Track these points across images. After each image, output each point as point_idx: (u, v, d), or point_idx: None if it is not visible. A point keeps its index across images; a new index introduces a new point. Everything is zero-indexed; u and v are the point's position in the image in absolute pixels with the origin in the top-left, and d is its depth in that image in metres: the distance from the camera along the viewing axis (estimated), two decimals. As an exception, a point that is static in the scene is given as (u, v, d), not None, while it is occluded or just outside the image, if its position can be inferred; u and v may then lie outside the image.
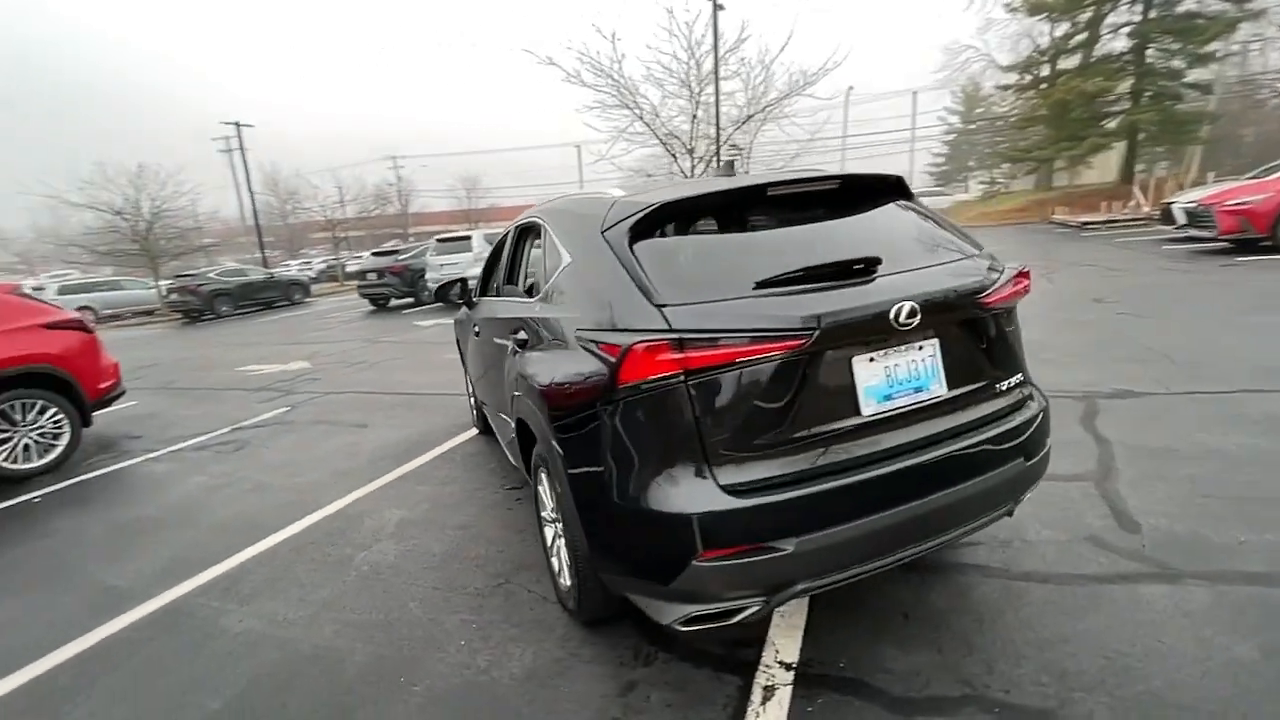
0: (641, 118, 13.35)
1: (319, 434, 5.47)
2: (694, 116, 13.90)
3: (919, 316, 1.76)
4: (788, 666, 2.04)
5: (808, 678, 1.99)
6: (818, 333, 1.67)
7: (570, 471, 1.97)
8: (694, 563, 1.65)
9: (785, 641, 2.16)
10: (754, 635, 2.20)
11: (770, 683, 1.98)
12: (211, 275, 19.30)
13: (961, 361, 1.94)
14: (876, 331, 1.75)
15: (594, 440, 1.83)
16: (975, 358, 1.98)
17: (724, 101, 14.39)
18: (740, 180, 2.08)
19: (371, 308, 16.85)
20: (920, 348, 1.86)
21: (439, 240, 15.48)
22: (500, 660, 2.24)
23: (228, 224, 45.41)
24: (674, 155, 13.91)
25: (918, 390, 1.85)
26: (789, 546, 1.65)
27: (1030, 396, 2.17)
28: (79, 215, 20.57)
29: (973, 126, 50.94)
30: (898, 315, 1.73)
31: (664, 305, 1.71)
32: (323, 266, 33.51)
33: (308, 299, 21.83)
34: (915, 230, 2.16)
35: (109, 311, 21.77)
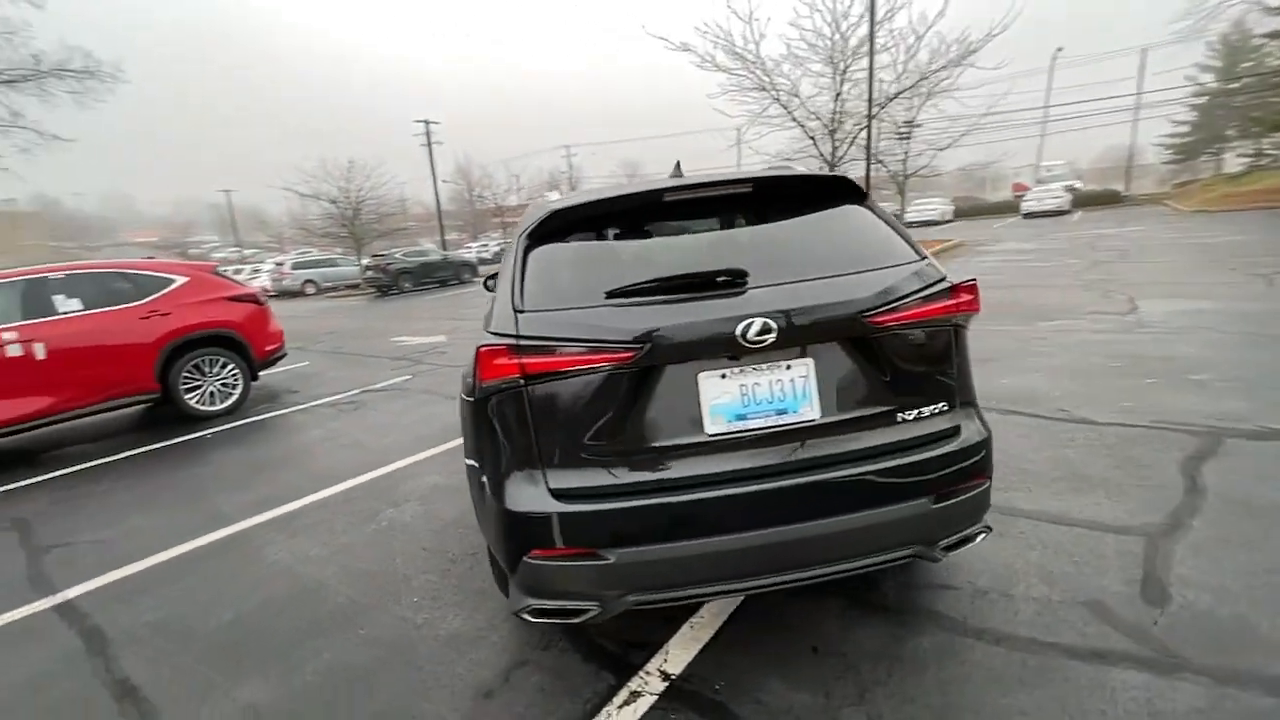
0: (778, 99, 12.83)
1: (420, 402, 6.22)
2: (838, 95, 13.03)
3: (775, 334, 1.64)
4: (665, 676, 2.03)
5: (679, 692, 1.97)
6: (648, 347, 1.63)
7: (465, 460, 2.13)
8: (525, 559, 1.73)
9: (680, 651, 2.14)
10: (655, 639, 2.21)
11: (639, 689, 1.99)
12: (398, 255, 22.31)
13: (846, 384, 1.76)
14: (725, 348, 1.66)
15: (470, 433, 1.97)
16: (868, 382, 1.78)
17: (874, 77, 13.30)
18: (636, 186, 2.05)
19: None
20: (789, 367, 1.72)
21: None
22: (435, 621, 2.49)
23: (428, 208, 51.57)
24: (813, 138, 13.19)
25: (781, 412, 1.71)
26: (611, 557, 1.66)
27: (954, 430, 1.88)
28: (315, 203, 24.91)
29: (1234, 85, 41.03)
30: (745, 332, 1.63)
31: (521, 311, 1.78)
32: (497, 249, 36.93)
33: (475, 278, 24.31)
34: (837, 237, 1.96)
35: (328, 284, 26.13)
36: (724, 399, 1.70)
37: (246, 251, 50.81)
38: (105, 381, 5.71)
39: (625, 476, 1.69)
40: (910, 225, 33.00)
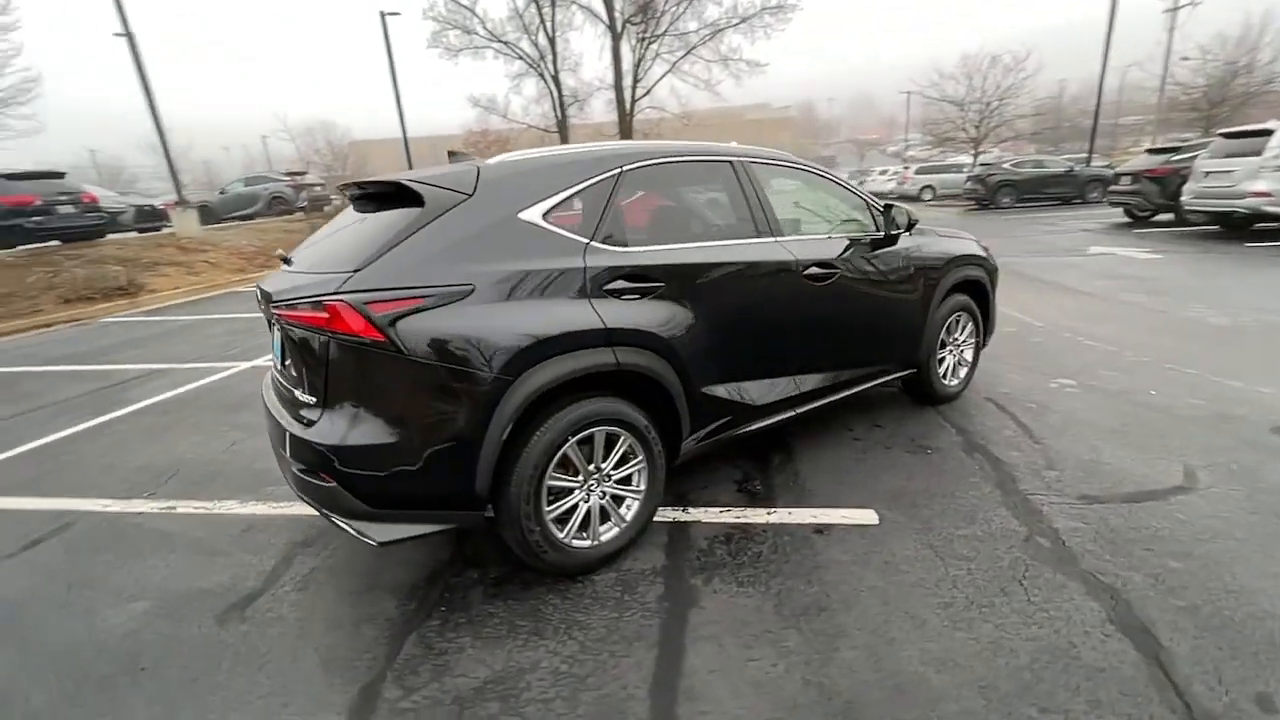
0: None
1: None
2: None
3: (263, 305, 2.33)
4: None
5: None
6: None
7: None
8: None
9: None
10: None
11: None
12: (1006, 166, 19.74)
13: (288, 354, 2.26)
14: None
15: None
16: (291, 357, 2.21)
17: None
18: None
19: (1125, 220, 13.83)
20: (279, 331, 2.34)
21: (1222, 135, 10.77)
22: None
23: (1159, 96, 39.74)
24: None
25: (280, 361, 2.41)
26: None
27: (310, 422, 2.05)
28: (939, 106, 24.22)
29: None
30: (262, 298, 2.38)
31: None
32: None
33: (1102, 198, 19.11)
34: (364, 237, 2.19)
35: (945, 192, 25.72)
36: (275, 342, 2.53)
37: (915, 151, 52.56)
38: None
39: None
40: None
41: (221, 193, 20.39)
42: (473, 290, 2.09)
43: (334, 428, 2.05)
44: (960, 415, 3.78)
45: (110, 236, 14.06)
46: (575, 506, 2.38)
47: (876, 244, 3.36)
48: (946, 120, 24.31)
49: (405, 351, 1.98)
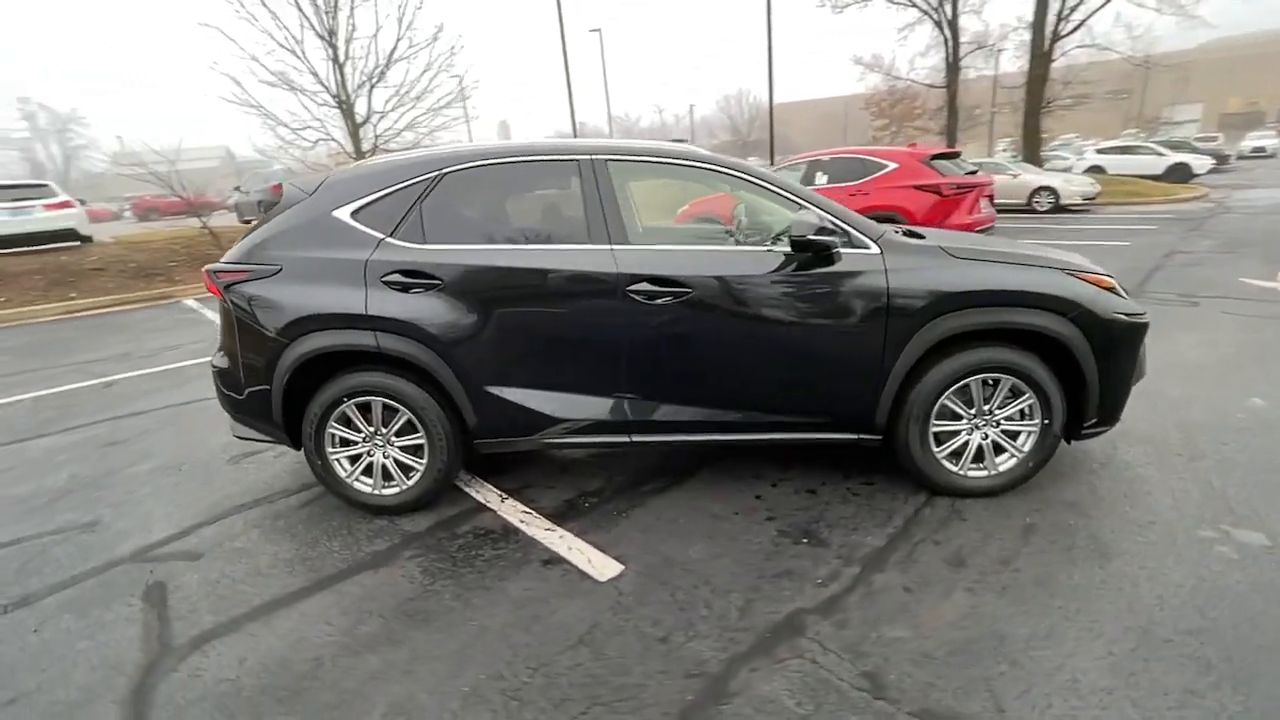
0: None
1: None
2: None
3: None
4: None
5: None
6: None
7: None
8: None
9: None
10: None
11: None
12: None
13: None
14: None
15: None
16: None
17: None
18: None
19: None
20: None
21: None
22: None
23: None
24: None
25: None
26: None
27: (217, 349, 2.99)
28: None
29: None
30: None
31: None
32: None
33: None
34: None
35: None
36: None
37: None
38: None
39: None
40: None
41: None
42: (280, 270, 2.71)
43: (217, 355, 3.03)
44: (944, 519, 2.62)
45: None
46: (361, 455, 2.86)
47: (801, 264, 2.59)
48: None
49: (233, 309, 2.76)
